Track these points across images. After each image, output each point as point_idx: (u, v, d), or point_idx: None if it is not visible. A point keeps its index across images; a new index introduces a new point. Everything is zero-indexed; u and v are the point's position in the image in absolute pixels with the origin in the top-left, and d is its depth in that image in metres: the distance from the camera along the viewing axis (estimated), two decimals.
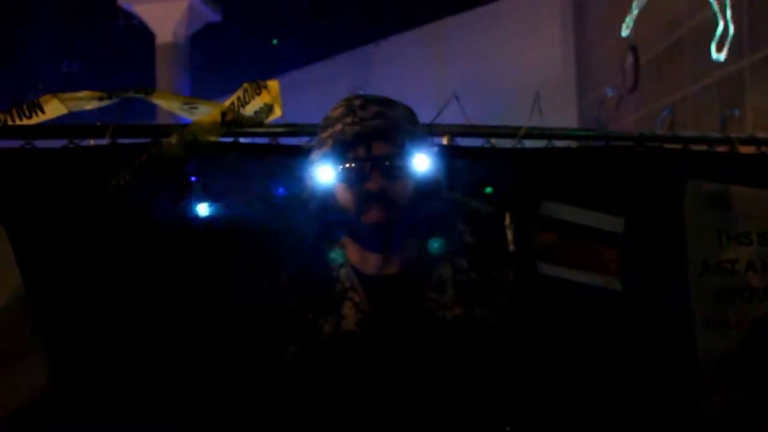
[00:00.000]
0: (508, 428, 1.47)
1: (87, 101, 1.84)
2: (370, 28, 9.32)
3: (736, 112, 3.25)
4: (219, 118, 1.84)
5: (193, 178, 1.84)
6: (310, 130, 1.81)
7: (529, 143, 2.03)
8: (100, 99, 1.83)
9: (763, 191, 2.11)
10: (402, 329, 1.46)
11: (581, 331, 1.88)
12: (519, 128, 2.01)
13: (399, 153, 1.46)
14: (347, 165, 1.46)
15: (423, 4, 8.65)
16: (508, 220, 1.58)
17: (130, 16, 10.27)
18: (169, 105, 1.91)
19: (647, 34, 5.02)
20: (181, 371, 1.74)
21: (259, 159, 1.88)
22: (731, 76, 3.68)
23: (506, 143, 2.02)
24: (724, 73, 3.77)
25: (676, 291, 2.03)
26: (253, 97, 1.89)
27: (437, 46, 8.66)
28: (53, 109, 1.82)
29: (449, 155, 1.94)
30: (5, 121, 1.81)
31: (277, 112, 1.91)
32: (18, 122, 1.82)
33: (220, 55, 10.71)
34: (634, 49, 5.34)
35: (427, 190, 1.51)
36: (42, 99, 1.81)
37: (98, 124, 1.82)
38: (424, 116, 2.06)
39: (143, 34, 10.02)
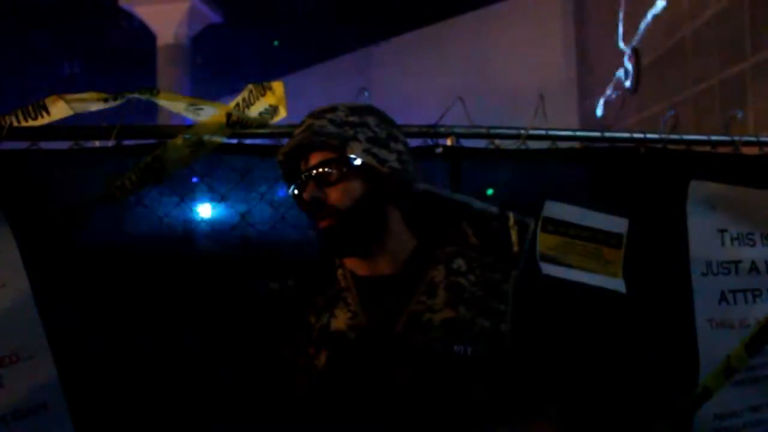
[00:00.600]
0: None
1: (92, 102, 1.83)
2: (371, 30, 9.33)
3: (740, 114, 3.24)
4: (224, 119, 1.84)
5: (197, 179, 1.84)
6: None
7: (532, 144, 2.04)
8: (106, 100, 1.82)
9: (766, 192, 2.12)
10: (388, 331, 1.45)
11: (584, 332, 1.88)
12: (522, 129, 2.01)
13: (331, 160, 1.46)
14: (287, 181, 1.54)
15: (425, 5, 8.65)
16: (512, 221, 1.57)
17: (131, 18, 10.30)
18: (174, 106, 1.91)
19: (649, 36, 5.02)
20: (182, 371, 1.74)
21: (264, 160, 1.88)
22: (732, 77, 3.69)
23: (509, 144, 2.03)
24: (725, 74, 3.77)
25: (680, 292, 2.03)
26: (258, 98, 1.90)
27: (439, 48, 8.67)
28: (59, 110, 1.81)
29: (453, 156, 1.95)
30: (10, 122, 1.81)
31: (282, 113, 1.91)
32: (24, 123, 1.82)
33: (221, 57, 10.72)
34: (635, 51, 5.34)
35: (400, 187, 1.50)
36: (47, 100, 1.81)
37: (104, 125, 1.82)
38: (426, 117, 2.07)
39: (144, 35, 10.04)
